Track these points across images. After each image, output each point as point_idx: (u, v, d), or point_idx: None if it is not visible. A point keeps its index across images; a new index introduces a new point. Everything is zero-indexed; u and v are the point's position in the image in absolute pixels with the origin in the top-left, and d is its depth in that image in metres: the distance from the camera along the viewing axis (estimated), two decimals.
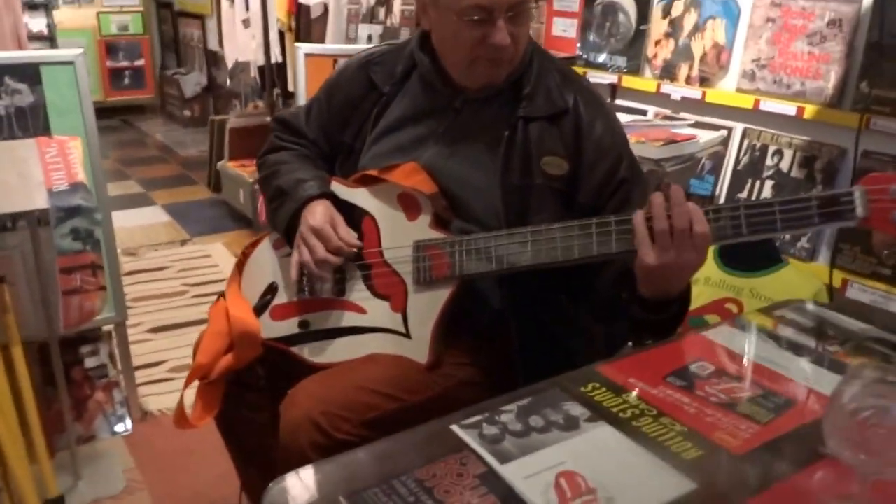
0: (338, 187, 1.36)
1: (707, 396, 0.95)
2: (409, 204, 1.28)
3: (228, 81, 4.63)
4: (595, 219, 1.13)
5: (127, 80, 6.49)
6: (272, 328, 1.38)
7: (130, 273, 3.19)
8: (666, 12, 2.44)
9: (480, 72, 1.27)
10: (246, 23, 3.27)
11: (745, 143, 2.28)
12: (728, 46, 2.28)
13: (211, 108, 6.14)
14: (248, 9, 3.23)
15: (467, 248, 1.21)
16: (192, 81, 6.08)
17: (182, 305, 3.00)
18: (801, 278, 1.92)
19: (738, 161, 2.29)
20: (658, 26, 2.47)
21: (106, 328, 2.17)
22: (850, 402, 0.68)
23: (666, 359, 1.04)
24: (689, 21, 2.38)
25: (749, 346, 1.14)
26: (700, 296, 1.92)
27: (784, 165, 2.18)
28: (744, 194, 2.25)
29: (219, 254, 3.56)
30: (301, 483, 0.76)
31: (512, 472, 0.77)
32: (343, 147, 1.42)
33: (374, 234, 1.31)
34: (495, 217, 1.26)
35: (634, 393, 0.94)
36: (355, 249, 1.30)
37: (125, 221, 3.76)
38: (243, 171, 3.79)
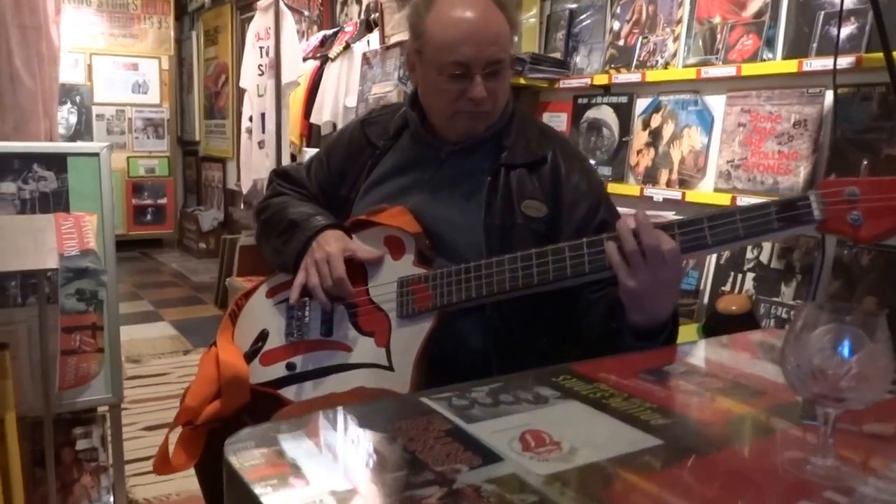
0: None
1: (680, 386, 0.98)
2: (394, 244, 1.36)
3: (242, 206, 4.86)
4: (566, 243, 1.19)
5: (149, 217, 6.87)
6: (261, 373, 1.41)
7: (132, 377, 3.22)
8: (646, 124, 2.64)
9: (460, 124, 1.38)
10: (261, 144, 3.53)
11: None
12: (704, 151, 2.44)
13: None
14: (263, 131, 3.50)
15: (448, 279, 1.27)
16: (210, 217, 6.36)
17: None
18: None
19: (719, 256, 2.38)
20: (639, 138, 2.66)
21: (101, 410, 2.19)
22: (804, 339, 0.71)
23: (640, 360, 1.07)
24: (668, 131, 2.56)
25: (721, 354, 1.17)
26: None
27: (763, 258, 2.27)
28: (727, 287, 2.32)
29: None
30: (262, 431, 0.78)
31: (477, 429, 0.79)
32: (339, 201, 1.51)
33: (362, 275, 1.39)
34: (478, 256, 1.30)
35: (606, 383, 0.96)
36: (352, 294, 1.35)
37: (133, 334, 3.84)
38: (250, 284, 3.89)
